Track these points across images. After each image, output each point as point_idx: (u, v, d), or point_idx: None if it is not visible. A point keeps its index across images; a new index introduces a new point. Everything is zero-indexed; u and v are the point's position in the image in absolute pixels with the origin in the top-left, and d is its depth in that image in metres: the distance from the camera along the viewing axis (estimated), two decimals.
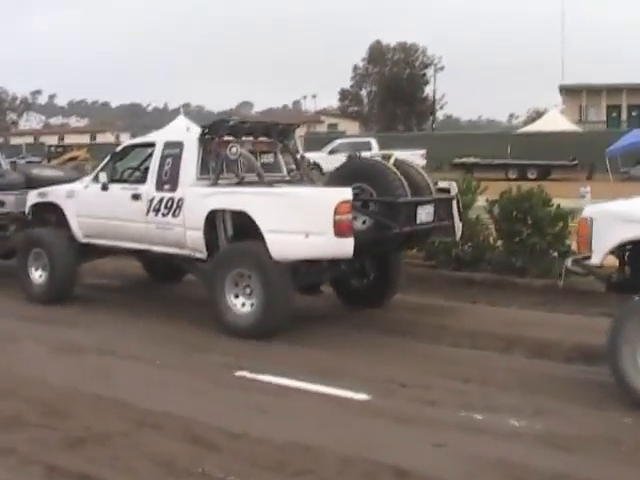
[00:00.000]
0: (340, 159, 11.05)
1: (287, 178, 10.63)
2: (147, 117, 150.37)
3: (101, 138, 74.48)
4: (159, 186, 9.93)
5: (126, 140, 66.11)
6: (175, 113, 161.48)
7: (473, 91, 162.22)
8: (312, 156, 38.09)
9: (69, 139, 77.95)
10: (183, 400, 6.88)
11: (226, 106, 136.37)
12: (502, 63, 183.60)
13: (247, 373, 7.65)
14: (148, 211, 9.97)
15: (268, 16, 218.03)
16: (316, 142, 47.04)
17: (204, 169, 9.83)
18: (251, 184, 9.69)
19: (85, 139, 73.55)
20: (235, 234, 9.40)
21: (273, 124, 10.78)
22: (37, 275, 11.18)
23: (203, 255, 9.53)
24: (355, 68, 66.90)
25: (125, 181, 10.60)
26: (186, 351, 8.52)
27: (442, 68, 65.80)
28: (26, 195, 12.07)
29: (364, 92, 67.60)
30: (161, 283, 12.54)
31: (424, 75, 67.08)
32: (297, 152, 10.80)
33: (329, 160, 36.65)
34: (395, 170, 9.06)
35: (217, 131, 9.90)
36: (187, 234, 9.62)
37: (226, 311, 9.06)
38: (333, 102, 71.58)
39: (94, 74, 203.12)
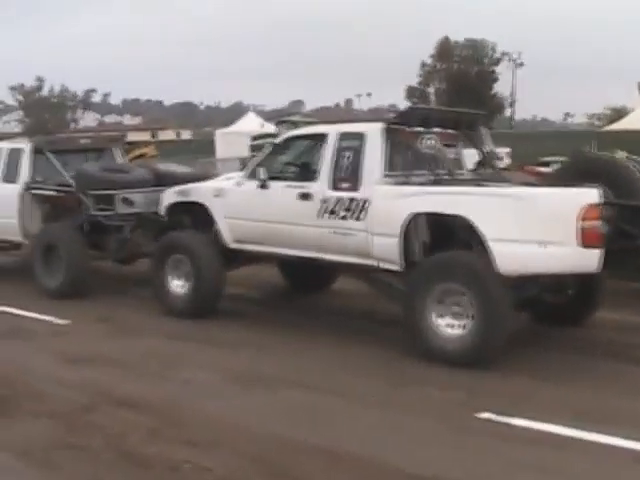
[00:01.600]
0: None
1: (478, 176, 9.09)
2: (200, 115, 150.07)
3: (162, 135, 73.47)
4: (335, 184, 8.50)
5: (186, 136, 64.94)
6: (228, 111, 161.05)
7: (525, 90, 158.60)
8: None
9: (129, 136, 77.02)
10: (434, 455, 5.46)
11: (278, 104, 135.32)
12: (560, 63, 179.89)
13: (492, 415, 6.15)
14: (321, 213, 8.54)
15: (321, 15, 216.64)
16: None
17: (390, 164, 8.36)
18: (455, 182, 8.20)
19: (145, 136, 72.67)
20: (433, 242, 7.92)
21: (464, 113, 9.30)
22: (177, 285, 9.83)
23: (397, 266, 8.07)
24: (423, 65, 65.07)
25: (288, 178, 9.17)
26: (394, 383, 7.10)
27: (521, 64, 63.72)
28: (156, 193, 10.76)
29: (432, 89, 65.65)
30: (302, 293, 11.08)
31: (493, 72, 65.02)
32: (484, 145, 9.26)
33: None
34: (637, 170, 7.50)
35: (408, 121, 8.44)
36: (373, 241, 8.17)
37: (429, 333, 7.58)
38: (388, 100, 69.92)
39: (147, 73, 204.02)
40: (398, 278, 8.36)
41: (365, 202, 8.22)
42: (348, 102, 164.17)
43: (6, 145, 12.45)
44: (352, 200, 8.31)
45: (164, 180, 11.19)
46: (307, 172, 9.05)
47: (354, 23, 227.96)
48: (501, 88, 64.83)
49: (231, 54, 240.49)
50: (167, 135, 73.86)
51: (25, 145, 12.04)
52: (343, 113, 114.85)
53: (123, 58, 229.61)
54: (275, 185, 9.08)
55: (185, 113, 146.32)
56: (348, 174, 8.44)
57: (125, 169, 11.41)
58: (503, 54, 64.31)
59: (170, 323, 9.50)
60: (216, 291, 9.66)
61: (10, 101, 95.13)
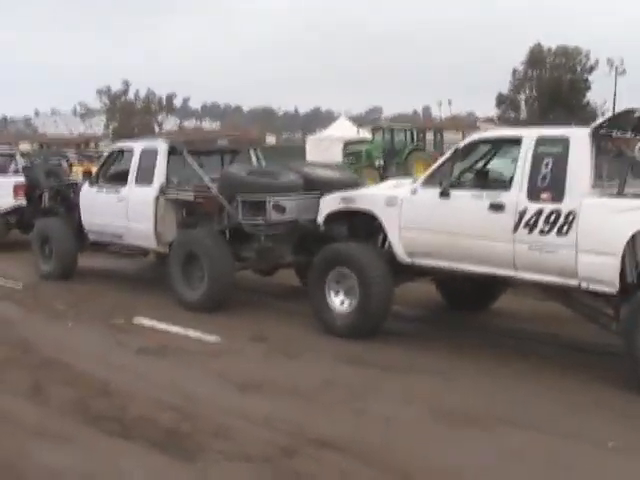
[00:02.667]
0: None
1: None
2: (278, 121, 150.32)
3: None
4: (533, 194, 7.47)
5: (271, 141, 64.42)
6: (306, 118, 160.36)
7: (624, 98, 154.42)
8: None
9: None
10: None
11: (355, 111, 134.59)
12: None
13: None
14: (517, 227, 7.51)
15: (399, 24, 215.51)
16: None
17: (598, 173, 7.32)
18: None
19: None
20: None
21: None
22: (339, 301, 8.90)
23: (609, 288, 7.01)
24: (514, 72, 63.36)
25: (473, 186, 8.17)
26: (631, 424, 5.99)
27: (624, 72, 61.51)
28: (308, 200, 9.91)
29: (522, 97, 63.90)
30: (460, 311, 10.05)
31: (586, 80, 62.98)
32: None
33: None
34: None
35: (621, 125, 7.37)
36: (580, 259, 7.11)
37: None
38: (467, 109, 67.91)
39: (227, 77, 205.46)
40: (604, 301, 7.33)
41: (571, 215, 7.17)
42: (426, 109, 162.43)
43: (138, 145, 11.69)
44: (555, 212, 7.28)
45: (313, 185, 10.31)
46: (497, 180, 8.06)
47: (439, 31, 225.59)
48: (594, 97, 62.73)
49: (309, 61, 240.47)
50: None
51: (160, 145, 11.26)
52: (424, 120, 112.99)
53: (203, 62, 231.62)
54: (459, 194, 8.10)
55: (263, 118, 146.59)
56: (549, 183, 7.41)
57: (273, 173, 10.54)
58: (597, 61, 62.11)
59: (334, 343, 8.57)
60: (385, 309, 8.72)
61: (94, 104, 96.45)
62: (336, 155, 42.19)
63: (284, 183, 10.20)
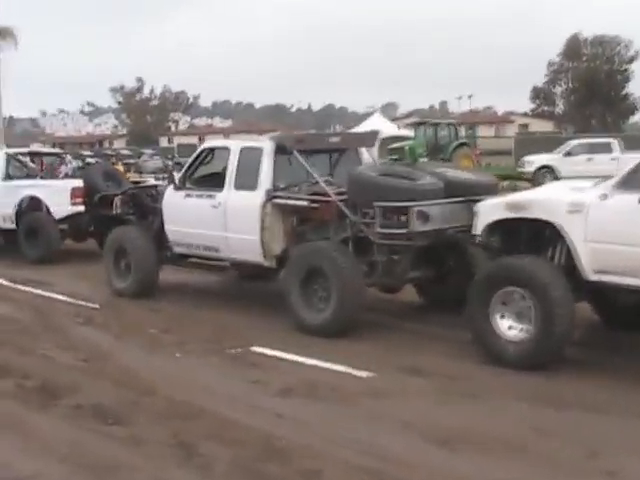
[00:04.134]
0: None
1: None
2: (290, 118, 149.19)
3: None
4: None
5: None
6: (320, 114, 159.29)
7: None
8: (542, 159, 34.06)
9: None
10: None
11: (369, 107, 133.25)
12: None
13: None
14: None
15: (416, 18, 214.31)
16: (528, 143, 42.97)
17: None
18: None
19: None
20: None
21: None
22: (506, 326, 7.63)
23: None
24: (549, 64, 61.97)
25: None
26: None
27: None
28: (452, 206, 8.68)
29: (558, 90, 62.53)
30: (618, 331, 8.79)
31: (625, 71, 61.54)
32: None
33: (565, 163, 32.64)
34: None
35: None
36: None
37: None
38: (486, 103, 66.42)
39: (238, 75, 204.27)
40: None
41: None
42: (443, 104, 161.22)
43: (236, 144, 10.47)
44: None
45: (454, 189, 9.07)
46: None
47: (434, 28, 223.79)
48: (635, 88, 61.36)
49: (321, 57, 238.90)
50: None
51: (265, 144, 10.02)
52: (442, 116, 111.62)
53: (213, 60, 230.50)
54: None
55: (276, 116, 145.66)
56: None
57: (409, 175, 9.27)
58: (637, 52, 60.65)
59: (507, 377, 7.33)
60: (569, 335, 7.49)
61: (102, 103, 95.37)
62: (371, 152, 40.90)
63: (426, 187, 8.95)
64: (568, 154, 33.78)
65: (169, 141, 74.34)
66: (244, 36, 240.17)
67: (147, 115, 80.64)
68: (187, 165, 11.12)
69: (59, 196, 14.53)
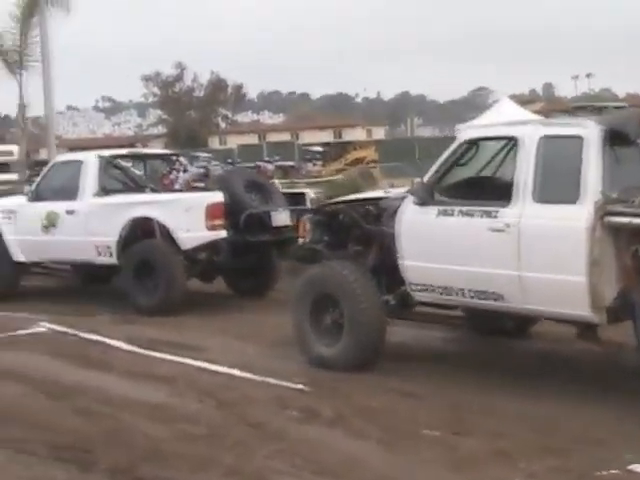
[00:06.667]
0: None
1: None
2: (357, 109, 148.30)
3: (347, 135, 70.17)
4: None
5: (379, 135, 62.29)
6: (393, 104, 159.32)
7: None
8: None
9: (276, 137, 74.51)
10: None
11: (455, 94, 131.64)
12: None
13: None
14: None
15: None
16: None
17: None
18: None
19: (321, 137, 69.71)
20: None
21: None
22: None
23: None
24: None
25: None
26: None
27: None
28: None
29: None
30: None
31: None
32: None
33: None
34: None
35: None
36: None
37: None
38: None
39: (289, 62, 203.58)
40: None
41: None
42: (547, 87, 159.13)
43: (532, 130, 8.43)
44: None
45: None
46: None
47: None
48: None
49: (393, 34, 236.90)
50: (355, 134, 70.47)
51: (587, 130, 7.95)
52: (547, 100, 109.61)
53: (259, 44, 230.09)
54: None
55: (339, 107, 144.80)
56: None
57: None
58: None
59: None
60: None
61: (122, 97, 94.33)
62: None
63: None
64: None
65: (221, 142, 72.85)
66: (293, 16, 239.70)
67: (189, 110, 78.96)
68: (435, 169, 9.02)
69: (188, 216, 12.45)
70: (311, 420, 7.94)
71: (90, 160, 13.91)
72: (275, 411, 8.21)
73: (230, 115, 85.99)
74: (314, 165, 44.16)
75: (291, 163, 39.37)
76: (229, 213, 12.52)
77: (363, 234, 9.77)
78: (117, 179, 14.23)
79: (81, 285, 16.07)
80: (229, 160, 37.13)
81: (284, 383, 9.04)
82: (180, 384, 9.20)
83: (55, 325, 12.31)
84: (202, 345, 10.90)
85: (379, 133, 78.99)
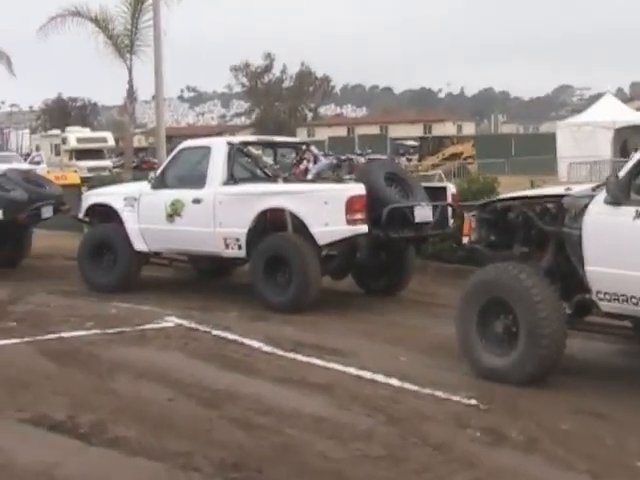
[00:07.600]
0: None
1: None
2: (439, 105, 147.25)
3: (439, 130, 68.93)
4: None
5: (469, 130, 61.04)
6: (476, 100, 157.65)
7: None
8: None
9: (364, 130, 73.57)
10: None
11: (540, 92, 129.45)
12: None
13: None
14: None
15: None
16: None
17: None
18: None
19: (410, 131, 68.63)
20: None
21: None
22: None
23: None
24: None
25: None
26: None
27: None
28: None
29: None
30: None
31: None
32: None
33: None
34: None
35: None
36: None
37: None
38: None
39: (373, 55, 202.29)
40: None
41: None
42: (634, 86, 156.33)
43: None
44: None
45: None
46: None
47: None
48: None
49: (470, 30, 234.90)
50: (446, 129, 69.23)
51: None
52: None
53: (339, 37, 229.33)
54: None
55: (421, 102, 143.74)
56: None
57: None
58: None
59: None
60: None
61: (206, 87, 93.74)
62: (602, 146, 37.64)
63: None
64: None
65: (309, 134, 71.92)
66: (378, 12, 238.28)
67: (277, 101, 78.33)
68: (638, 160, 8.00)
69: (327, 209, 11.59)
70: (500, 443, 7.04)
71: (219, 146, 13.10)
72: (454, 431, 7.32)
73: (317, 106, 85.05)
74: (408, 160, 43.18)
75: (383, 156, 38.35)
76: (369, 207, 11.60)
77: (537, 235, 8.83)
78: (247, 167, 13.42)
79: (197, 277, 15.35)
80: (358, 151, 36.40)
81: (454, 397, 8.15)
82: (339, 394, 8.35)
83: (183, 320, 11.53)
84: (348, 349, 10.03)
85: (469, 128, 77.47)
